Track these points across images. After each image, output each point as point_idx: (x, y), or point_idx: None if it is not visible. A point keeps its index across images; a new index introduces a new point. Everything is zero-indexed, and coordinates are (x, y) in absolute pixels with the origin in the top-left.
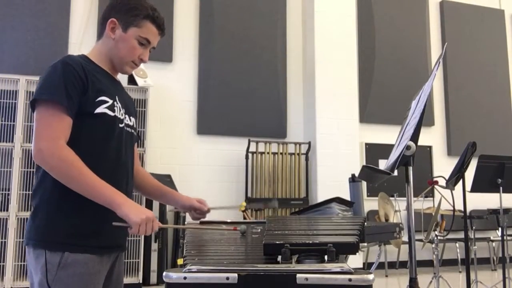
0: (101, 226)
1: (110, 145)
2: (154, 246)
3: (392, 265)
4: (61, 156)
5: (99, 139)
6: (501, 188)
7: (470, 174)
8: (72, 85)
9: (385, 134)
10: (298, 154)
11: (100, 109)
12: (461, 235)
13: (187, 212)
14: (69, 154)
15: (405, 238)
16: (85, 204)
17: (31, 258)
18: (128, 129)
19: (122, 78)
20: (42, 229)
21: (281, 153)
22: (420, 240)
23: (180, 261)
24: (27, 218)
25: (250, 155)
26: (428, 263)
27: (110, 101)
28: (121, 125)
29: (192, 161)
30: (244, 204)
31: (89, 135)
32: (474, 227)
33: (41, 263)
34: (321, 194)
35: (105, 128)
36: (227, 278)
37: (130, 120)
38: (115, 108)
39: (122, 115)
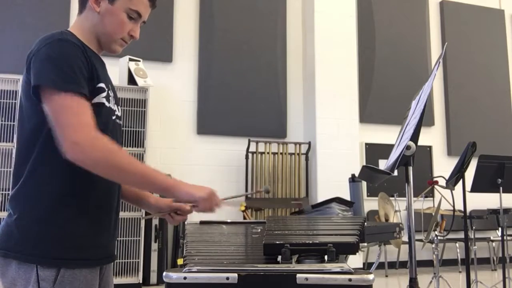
0: (98, 236)
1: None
2: (154, 246)
3: (392, 265)
4: (105, 145)
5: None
6: (501, 188)
7: (470, 174)
8: (83, 68)
9: (385, 134)
10: (298, 154)
11: (98, 99)
12: (461, 235)
13: (166, 218)
14: (110, 142)
15: (405, 238)
16: (81, 212)
17: (10, 270)
18: (118, 120)
19: (122, 79)
20: (31, 241)
21: (281, 153)
22: (420, 240)
23: (180, 261)
24: None
25: (250, 155)
26: (428, 263)
27: (106, 90)
28: (113, 117)
29: (192, 161)
30: (244, 204)
31: None
32: (474, 227)
33: (31, 279)
34: (321, 194)
35: (102, 122)
36: (227, 278)
37: (118, 110)
38: (110, 97)
39: (114, 105)
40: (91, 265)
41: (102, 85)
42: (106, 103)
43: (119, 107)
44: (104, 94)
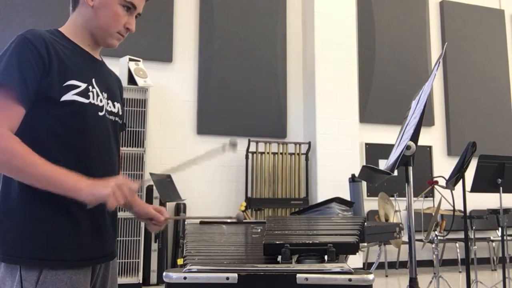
0: (83, 237)
1: (87, 139)
2: (154, 246)
3: (392, 265)
4: (2, 145)
5: (71, 133)
6: (501, 188)
7: (470, 174)
8: (28, 65)
9: (385, 134)
10: (298, 154)
11: (68, 96)
12: (461, 235)
13: (145, 223)
14: (12, 142)
15: (405, 238)
16: (62, 213)
17: (1, 270)
18: (112, 117)
19: (122, 79)
20: (12, 242)
21: (281, 153)
22: (420, 240)
23: (180, 261)
24: None
25: (250, 155)
26: (428, 263)
27: (83, 86)
28: (101, 113)
29: None
30: (244, 204)
31: (57, 128)
32: (474, 227)
33: (16, 280)
34: (321, 194)
35: (76, 119)
36: (227, 278)
37: (114, 106)
38: (90, 93)
39: (101, 101)
40: (76, 266)
41: (73, 82)
42: (82, 100)
43: (116, 103)
44: (77, 90)
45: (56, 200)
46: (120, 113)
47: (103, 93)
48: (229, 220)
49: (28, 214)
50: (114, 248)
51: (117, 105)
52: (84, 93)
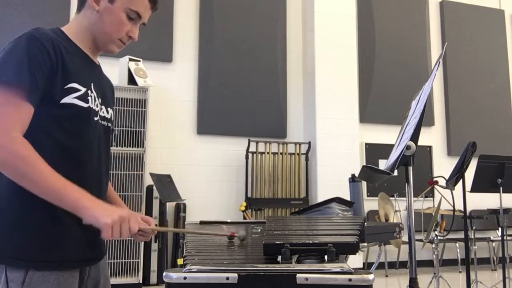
0: (70, 238)
1: (80, 143)
2: (154, 246)
3: (392, 265)
4: (14, 149)
5: (66, 135)
6: (501, 188)
7: (470, 174)
8: (38, 64)
9: (385, 134)
10: (298, 154)
11: (68, 99)
12: (461, 235)
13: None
14: (24, 148)
15: (405, 238)
16: (50, 213)
17: None
18: (104, 122)
19: (122, 79)
20: (0, 242)
21: (281, 153)
22: (420, 240)
23: (180, 261)
24: None
25: (250, 155)
26: (428, 263)
27: (83, 90)
28: (95, 118)
29: (192, 161)
30: (244, 204)
31: (54, 129)
32: (474, 227)
33: (2, 280)
34: (321, 194)
35: (74, 123)
36: (227, 278)
37: (107, 111)
38: (89, 98)
39: (97, 106)
40: (63, 267)
41: (74, 85)
42: (81, 104)
43: (109, 108)
44: (77, 94)
45: (44, 201)
46: (112, 119)
47: (99, 98)
48: (228, 220)
49: (15, 214)
50: (103, 249)
51: (110, 111)
52: (84, 97)
